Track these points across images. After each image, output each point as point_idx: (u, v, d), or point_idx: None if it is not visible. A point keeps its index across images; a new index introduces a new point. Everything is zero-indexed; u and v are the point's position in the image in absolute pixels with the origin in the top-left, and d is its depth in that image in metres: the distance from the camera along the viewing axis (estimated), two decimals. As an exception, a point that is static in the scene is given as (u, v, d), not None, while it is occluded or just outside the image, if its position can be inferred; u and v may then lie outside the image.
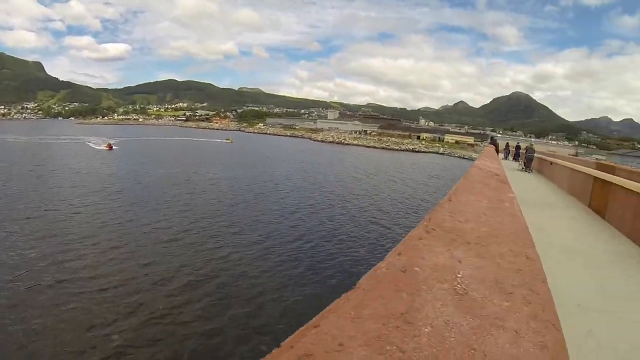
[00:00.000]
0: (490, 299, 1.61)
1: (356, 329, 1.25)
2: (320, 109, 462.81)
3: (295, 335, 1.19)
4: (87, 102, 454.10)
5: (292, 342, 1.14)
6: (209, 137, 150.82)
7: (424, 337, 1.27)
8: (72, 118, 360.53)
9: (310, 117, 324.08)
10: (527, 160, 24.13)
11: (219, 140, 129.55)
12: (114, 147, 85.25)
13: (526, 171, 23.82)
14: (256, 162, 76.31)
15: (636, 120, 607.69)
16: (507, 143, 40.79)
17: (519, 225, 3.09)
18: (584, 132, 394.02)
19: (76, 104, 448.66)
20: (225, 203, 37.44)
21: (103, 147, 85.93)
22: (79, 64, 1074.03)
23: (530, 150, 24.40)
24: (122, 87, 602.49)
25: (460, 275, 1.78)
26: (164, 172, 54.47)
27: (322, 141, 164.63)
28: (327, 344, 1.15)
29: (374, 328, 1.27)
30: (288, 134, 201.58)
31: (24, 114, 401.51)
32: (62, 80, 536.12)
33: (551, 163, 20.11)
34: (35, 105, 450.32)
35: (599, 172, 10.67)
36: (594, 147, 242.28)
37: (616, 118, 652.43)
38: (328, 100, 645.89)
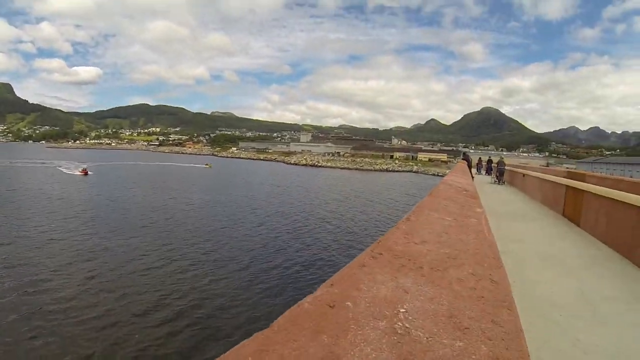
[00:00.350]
0: (438, 338, 1.28)
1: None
2: (293, 131, 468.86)
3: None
4: (58, 126, 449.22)
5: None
6: (187, 162, 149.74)
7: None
8: (43, 141, 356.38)
9: (283, 140, 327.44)
10: (499, 173, 25.18)
11: (198, 166, 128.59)
12: (89, 173, 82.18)
13: (499, 184, 24.40)
14: (235, 186, 75.11)
15: (602, 128, 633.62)
16: (480, 158, 41.48)
17: (485, 243, 2.80)
18: (554, 143, 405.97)
19: (47, 127, 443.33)
20: (206, 230, 36.23)
21: (78, 172, 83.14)
22: (50, 87, 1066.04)
23: (501, 163, 25.42)
24: (93, 110, 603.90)
25: (403, 310, 1.44)
26: (145, 199, 52.60)
27: (296, 164, 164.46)
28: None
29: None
30: (261, 158, 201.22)
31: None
32: (32, 103, 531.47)
33: (524, 175, 20.25)
34: (5, 127, 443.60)
35: (570, 180, 10.66)
36: (564, 157, 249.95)
37: (583, 127, 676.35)
38: (300, 123, 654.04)
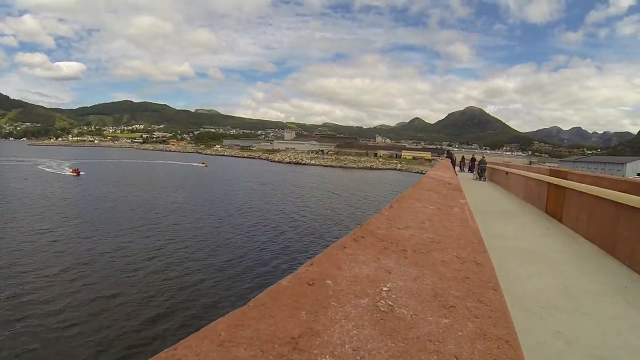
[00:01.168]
0: (423, 316, 1.24)
1: (222, 356, 0.87)
2: (277, 129, 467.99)
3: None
4: (39, 122, 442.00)
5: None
6: (181, 160, 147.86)
7: (320, 372, 0.90)
8: (25, 139, 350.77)
9: (267, 138, 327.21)
10: (481, 170, 26.75)
11: (194, 164, 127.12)
12: (81, 173, 75.59)
13: (480, 180, 26.05)
14: (237, 185, 74.30)
15: (584, 128, 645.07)
16: (463, 156, 42.18)
17: (469, 230, 2.78)
18: (536, 142, 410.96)
19: (28, 124, 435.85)
20: (203, 230, 35.11)
21: (68, 172, 77.55)
22: (32, 82, 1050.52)
23: (482, 161, 27.22)
24: (76, 107, 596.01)
25: (386, 289, 1.40)
26: (151, 201, 48.64)
27: (280, 162, 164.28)
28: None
29: (247, 356, 0.88)
30: (245, 155, 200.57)
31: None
32: (14, 99, 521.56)
33: (507, 173, 20.43)
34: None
35: (553, 178, 10.75)
36: (547, 156, 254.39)
37: (565, 127, 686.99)
38: (285, 121, 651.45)
